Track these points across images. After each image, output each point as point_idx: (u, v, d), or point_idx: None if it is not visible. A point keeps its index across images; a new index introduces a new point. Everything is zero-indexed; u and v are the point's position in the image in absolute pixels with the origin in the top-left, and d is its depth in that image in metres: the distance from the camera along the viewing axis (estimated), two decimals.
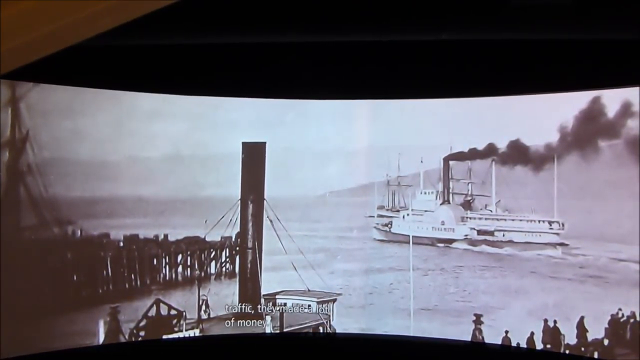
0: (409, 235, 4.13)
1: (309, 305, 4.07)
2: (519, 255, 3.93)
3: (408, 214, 4.25)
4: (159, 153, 3.95)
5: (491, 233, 4.01)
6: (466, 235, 4.07)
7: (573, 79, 3.64)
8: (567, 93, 3.73)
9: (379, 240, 4.17)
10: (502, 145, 3.93)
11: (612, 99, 3.58)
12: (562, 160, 3.77)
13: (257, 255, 4.13)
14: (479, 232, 4.03)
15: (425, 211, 4.22)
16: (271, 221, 4.16)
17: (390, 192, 4.25)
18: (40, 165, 3.68)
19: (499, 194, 4.01)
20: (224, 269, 4.13)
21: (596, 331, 3.61)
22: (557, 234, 3.84)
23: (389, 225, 4.25)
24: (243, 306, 4.04)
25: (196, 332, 4.00)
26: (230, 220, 4.12)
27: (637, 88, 3.43)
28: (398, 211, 4.24)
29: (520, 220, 3.96)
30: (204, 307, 4.02)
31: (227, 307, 4.04)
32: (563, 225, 3.82)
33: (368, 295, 4.08)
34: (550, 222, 3.86)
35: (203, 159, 4.07)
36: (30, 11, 1.29)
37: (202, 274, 4.08)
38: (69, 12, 1.30)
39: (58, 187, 3.71)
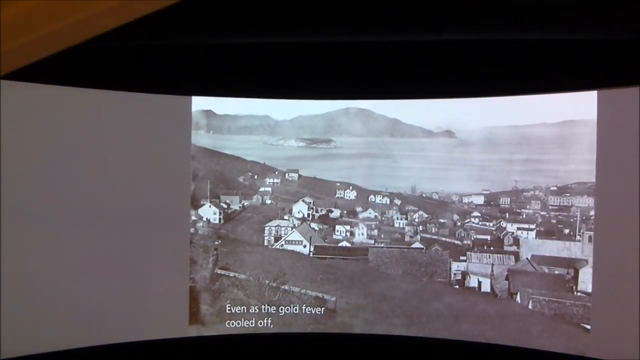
0: (410, 236, 4.13)
1: (309, 305, 4.07)
2: (519, 254, 3.93)
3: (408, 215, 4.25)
4: (159, 154, 3.94)
5: (491, 232, 4.01)
6: (466, 235, 4.06)
7: (573, 79, 3.64)
8: (567, 93, 3.74)
9: (379, 239, 4.17)
10: None
11: (612, 99, 3.58)
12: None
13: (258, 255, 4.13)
14: (479, 232, 4.03)
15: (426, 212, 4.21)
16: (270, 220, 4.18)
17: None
18: (40, 165, 3.68)
19: (499, 194, 4.01)
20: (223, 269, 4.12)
21: None
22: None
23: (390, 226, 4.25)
24: (243, 306, 4.04)
25: (196, 332, 4.00)
26: (230, 220, 4.14)
27: (637, 88, 3.43)
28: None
29: (520, 220, 3.96)
30: (204, 307, 4.02)
31: (227, 307, 4.04)
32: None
33: (368, 295, 4.08)
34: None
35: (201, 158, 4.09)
36: (30, 11, 1.29)
37: (202, 274, 4.07)
38: (69, 13, 1.30)
39: (58, 186, 3.70)
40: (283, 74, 3.87)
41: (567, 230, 3.77)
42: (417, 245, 4.10)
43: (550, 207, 3.85)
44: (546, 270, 3.83)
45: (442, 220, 4.08)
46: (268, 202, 4.18)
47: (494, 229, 4.00)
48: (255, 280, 4.08)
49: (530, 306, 3.81)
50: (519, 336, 3.79)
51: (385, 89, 3.96)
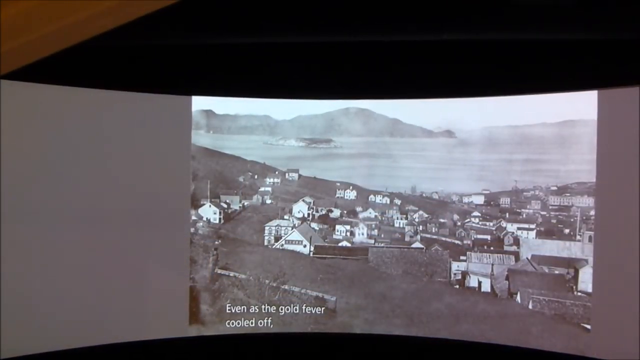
0: (410, 236, 4.13)
1: (309, 305, 4.07)
2: (519, 254, 3.93)
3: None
4: (159, 154, 3.94)
5: (491, 232, 4.01)
6: (466, 235, 4.06)
7: (573, 79, 3.64)
8: (567, 93, 3.74)
9: (379, 239, 4.17)
10: None
11: (612, 99, 3.58)
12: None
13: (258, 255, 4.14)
14: (479, 232, 4.03)
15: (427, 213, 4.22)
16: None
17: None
18: (40, 165, 3.68)
19: (499, 194, 4.01)
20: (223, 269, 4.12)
21: None
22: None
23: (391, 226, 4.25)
24: (243, 306, 4.04)
25: (196, 332, 4.00)
26: (230, 220, 4.14)
27: (637, 88, 3.43)
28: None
29: (520, 220, 3.96)
30: (204, 307, 4.02)
31: (227, 307, 4.04)
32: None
33: (368, 295, 4.08)
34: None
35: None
36: (30, 11, 1.29)
37: (202, 274, 4.07)
38: (69, 13, 1.30)
39: (58, 186, 3.70)
40: (283, 74, 3.87)
41: (567, 230, 3.77)
42: (417, 245, 4.10)
43: (550, 207, 3.85)
44: (546, 270, 3.83)
45: (442, 220, 4.08)
46: (268, 202, 4.18)
47: (494, 228, 4.00)
48: (255, 280, 4.08)
49: (530, 306, 3.81)
50: (519, 336, 3.79)
51: (385, 89, 3.96)
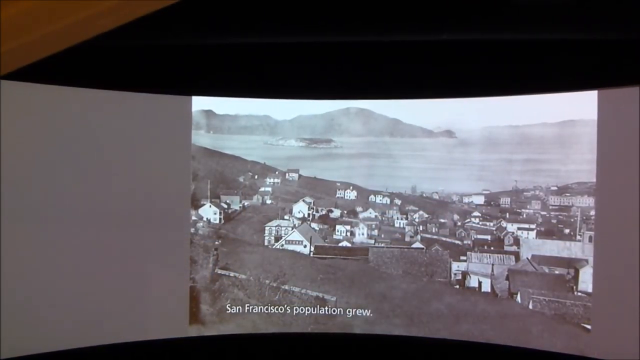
0: (410, 236, 4.13)
1: (309, 305, 4.07)
2: (520, 254, 3.93)
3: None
4: (159, 154, 3.94)
5: (491, 232, 4.01)
6: (466, 235, 4.06)
7: (573, 79, 3.64)
8: (567, 93, 3.74)
9: (379, 239, 4.17)
10: None
11: (612, 99, 3.58)
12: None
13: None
14: (479, 232, 4.03)
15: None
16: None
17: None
18: (39, 165, 3.68)
19: (500, 194, 4.01)
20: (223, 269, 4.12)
21: None
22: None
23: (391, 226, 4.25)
24: (243, 306, 4.04)
25: (196, 332, 4.00)
26: (231, 220, 4.14)
27: (637, 88, 3.43)
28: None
29: (521, 220, 3.96)
30: (204, 307, 4.02)
31: (227, 307, 4.04)
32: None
33: (368, 295, 4.08)
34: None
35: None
36: (30, 11, 1.29)
37: (202, 274, 4.07)
38: (69, 13, 1.30)
39: (58, 186, 3.70)
40: (283, 74, 3.87)
41: (567, 230, 3.77)
42: (417, 245, 4.10)
43: (550, 207, 3.85)
44: (546, 270, 3.83)
45: (442, 220, 4.08)
46: (268, 202, 4.18)
47: (494, 229, 4.00)
48: (255, 280, 4.08)
49: (530, 306, 3.81)
50: (519, 336, 3.79)
51: (385, 89, 3.96)
